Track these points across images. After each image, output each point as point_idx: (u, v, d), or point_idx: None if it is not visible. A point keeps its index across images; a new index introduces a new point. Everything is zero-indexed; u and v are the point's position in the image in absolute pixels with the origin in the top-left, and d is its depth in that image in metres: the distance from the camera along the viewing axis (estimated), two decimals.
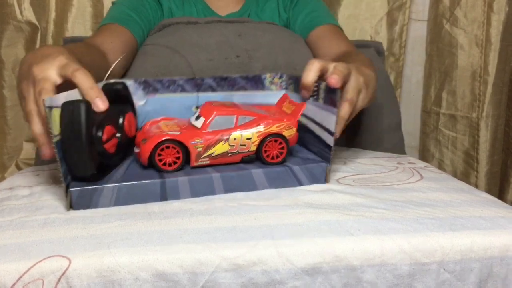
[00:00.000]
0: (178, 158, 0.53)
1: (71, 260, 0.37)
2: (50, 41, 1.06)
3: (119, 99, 0.56)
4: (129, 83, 0.59)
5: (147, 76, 0.66)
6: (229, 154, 0.55)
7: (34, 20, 1.06)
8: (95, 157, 0.48)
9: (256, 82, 0.66)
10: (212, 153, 0.54)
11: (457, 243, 0.41)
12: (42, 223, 0.44)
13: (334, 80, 0.52)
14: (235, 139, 0.54)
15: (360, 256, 0.39)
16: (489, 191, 1.17)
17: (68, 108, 0.45)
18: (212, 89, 0.64)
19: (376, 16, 1.19)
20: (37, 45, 1.08)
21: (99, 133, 0.48)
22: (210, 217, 0.45)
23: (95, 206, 0.48)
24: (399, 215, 0.45)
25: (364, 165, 0.65)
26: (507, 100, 1.19)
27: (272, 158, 0.55)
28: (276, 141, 0.56)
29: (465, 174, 1.21)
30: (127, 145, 0.56)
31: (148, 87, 0.61)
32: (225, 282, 0.38)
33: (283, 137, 0.56)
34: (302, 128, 0.61)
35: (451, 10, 1.16)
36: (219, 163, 0.55)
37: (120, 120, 0.54)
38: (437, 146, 1.24)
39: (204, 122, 0.54)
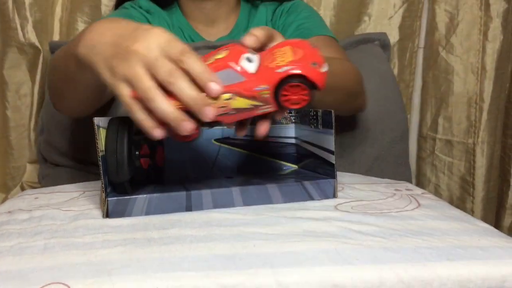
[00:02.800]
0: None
1: None
2: None
3: None
4: None
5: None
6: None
7: (36, 43, 1.07)
8: (131, 166, 0.54)
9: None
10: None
11: (454, 273, 0.41)
12: (41, 248, 0.44)
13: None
14: None
15: (359, 286, 0.39)
16: (485, 216, 1.17)
17: (115, 121, 0.54)
18: None
19: None
20: (39, 68, 1.09)
21: (138, 147, 0.56)
22: (209, 244, 0.45)
23: (129, 214, 0.53)
24: (397, 244, 0.45)
25: (361, 191, 0.66)
26: (503, 127, 1.21)
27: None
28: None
29: (461, 200, 1.21)
30: (156, 173, 0.62)
31: None
32: None
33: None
34: (308, 154, 0.67)
35: (447, 38, 1.18)
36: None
37: (152, 153, 0.59)
38: (433, 171, 1.25)
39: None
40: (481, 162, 1.18)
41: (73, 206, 0.58)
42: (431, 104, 1.23)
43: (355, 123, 0.89)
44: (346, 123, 0.89)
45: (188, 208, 0.55)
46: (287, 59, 0.47)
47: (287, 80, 0.46)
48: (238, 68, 0.47)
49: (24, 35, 1.07)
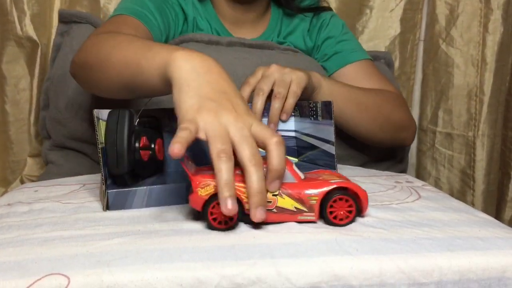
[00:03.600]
0: None
1: (70, 278, 0.37)
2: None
3: (153, 124, 0.61)
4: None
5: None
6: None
7: (34, 37, 1.06)
8: (131, 158, 0.54)
9: (267, 110, 0.71)
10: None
11: (455, 264, 0.41)
12: (41, 240, 0.44)
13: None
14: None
15: (359, 276, 0.39)
16: (486, 209, 1.17)
17: (116, 113, 0.54)
18: None
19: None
20: (38, 62, 1.08)
21: (137, 140, 0.55)
22: (209, 235, 0.45)
23: (129, 207, 0.53)
24: (397, 235, 0.45)
25: (362, 183, 0.65)
26: (503, 119, 1.20)
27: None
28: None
29: (462, 193, 1.21)
30: (156, 165, 0.61)
31: None
32: None
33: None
34: (308, 147, 0.67)
35: (447, 30, 1.18)
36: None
37: (152, 145, 0.59)
38: (433, 164, 1.25)
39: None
40: (481, 155, 1.17)
41: (73, 198, 0.58)
42: (431, 97, 1.23)
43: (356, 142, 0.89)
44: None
45: (188, 200, 0.55)
46: (333, 178, 0.50)
47: (335, 192, 0.48)
48: (291, 170, 0.49)
49: (21, 28, 1.06)
